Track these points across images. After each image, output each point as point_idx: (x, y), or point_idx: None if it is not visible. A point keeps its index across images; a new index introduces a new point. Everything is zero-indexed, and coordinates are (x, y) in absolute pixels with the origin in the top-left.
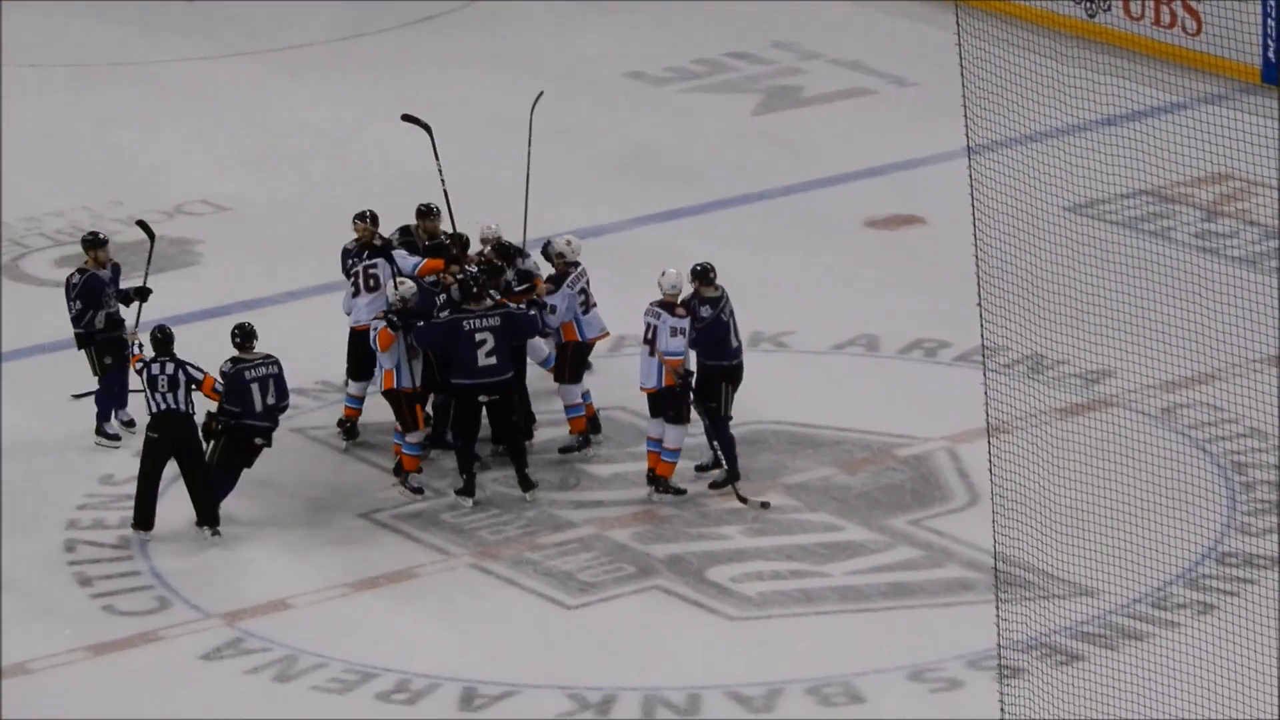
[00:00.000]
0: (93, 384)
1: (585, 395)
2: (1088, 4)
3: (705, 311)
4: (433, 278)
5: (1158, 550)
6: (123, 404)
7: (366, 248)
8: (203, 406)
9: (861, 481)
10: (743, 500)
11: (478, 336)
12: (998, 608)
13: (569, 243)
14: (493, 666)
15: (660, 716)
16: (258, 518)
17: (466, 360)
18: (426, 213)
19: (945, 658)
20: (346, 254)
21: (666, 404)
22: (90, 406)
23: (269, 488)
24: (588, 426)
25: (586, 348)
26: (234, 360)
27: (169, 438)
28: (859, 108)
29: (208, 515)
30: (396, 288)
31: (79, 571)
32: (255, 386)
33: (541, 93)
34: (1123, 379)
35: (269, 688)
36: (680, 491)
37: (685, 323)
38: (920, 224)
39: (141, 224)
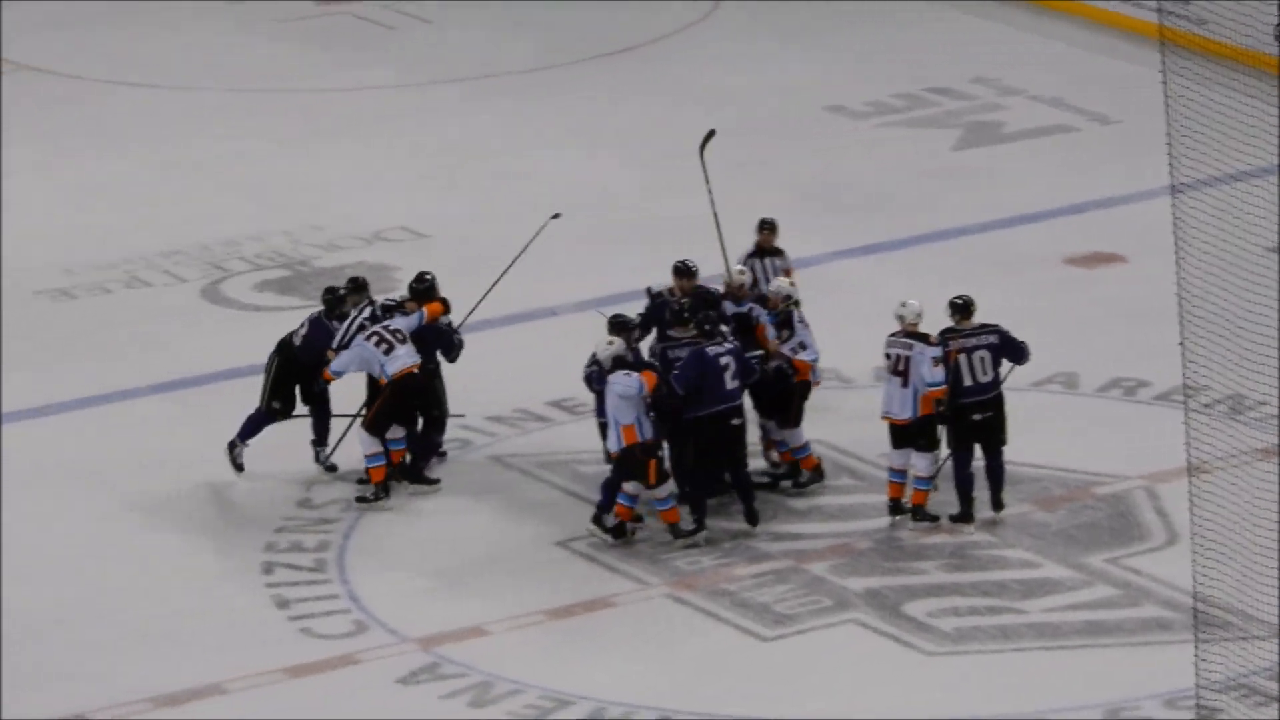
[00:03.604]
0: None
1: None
2: None
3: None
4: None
5: None
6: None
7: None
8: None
9: (1059, 519)
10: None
11: (721, 361)
12: (1196, 648)
13: (793, 283)
14: (688, 697)
15: None
16: (455, 544)
17: (715, 387)
18: (684, 271)
19: (1141, 697)
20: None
21: (919, 434)
22: (291, 432)
23: (467, 514)
24: (790, 470)
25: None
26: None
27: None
28: (1060, 145)
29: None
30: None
31: (277, 594)
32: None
33: (713, 131)
34: None
35: (464, 713)
36: (935, 518)
37: (940, 352)
38: (1120, 262)
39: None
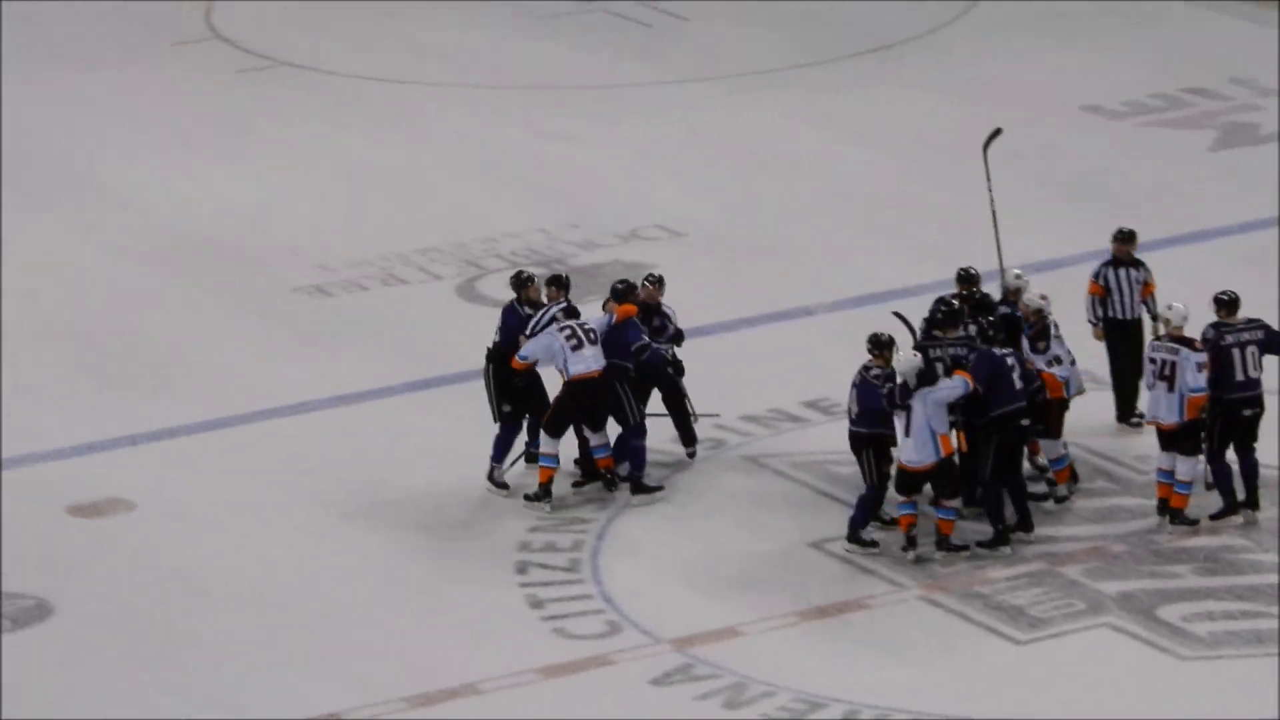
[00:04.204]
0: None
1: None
2: None
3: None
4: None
5: None
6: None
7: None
8: None
9: None
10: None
11: (1009, 362)
12: None
13: (1044, 297)
14: (942, 700)
15: None
16: (708, 544)
17: (1006, 387)
18: (965, 278)
19: None
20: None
21: (1185, 438)
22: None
23: (720, 514)
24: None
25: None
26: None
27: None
28: None
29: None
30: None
31: (530, 594)
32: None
33: (999, 129)
34: None
35: (719, 714)
36: (1194, 522)
37: (1204, 357)
38: None
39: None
